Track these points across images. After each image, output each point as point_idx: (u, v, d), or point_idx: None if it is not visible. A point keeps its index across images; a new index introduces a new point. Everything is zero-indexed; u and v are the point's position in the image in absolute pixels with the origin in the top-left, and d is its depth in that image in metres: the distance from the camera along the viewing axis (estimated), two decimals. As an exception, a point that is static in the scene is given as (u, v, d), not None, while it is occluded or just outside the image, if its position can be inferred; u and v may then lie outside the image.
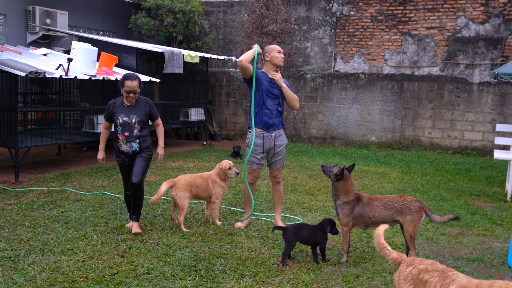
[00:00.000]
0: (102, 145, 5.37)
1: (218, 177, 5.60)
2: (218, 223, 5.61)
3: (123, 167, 5.30)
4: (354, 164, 4.85)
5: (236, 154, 10.42)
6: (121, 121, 5.11)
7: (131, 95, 5.08)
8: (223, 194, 5.73)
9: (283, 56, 5.48)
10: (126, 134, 5.11)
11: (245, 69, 5.28)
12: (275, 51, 5.40)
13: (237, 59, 12.37)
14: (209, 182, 5.58)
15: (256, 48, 5.32)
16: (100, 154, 5.35)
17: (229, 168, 5.60)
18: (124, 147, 5.15)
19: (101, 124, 9.29)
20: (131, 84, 5.07)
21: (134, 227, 5.23)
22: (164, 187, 5.41)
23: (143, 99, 5.27)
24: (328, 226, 4.56)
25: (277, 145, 5.49)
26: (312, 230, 4.59)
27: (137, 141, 5.15)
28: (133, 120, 5.12)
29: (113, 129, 5.35)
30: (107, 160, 10.13)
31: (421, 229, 5.32)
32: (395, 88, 12.08)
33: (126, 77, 5.08)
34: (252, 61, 5.29)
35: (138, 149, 5.17)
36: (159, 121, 5.40)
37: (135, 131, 5.15)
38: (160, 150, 5.38)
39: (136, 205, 5.25)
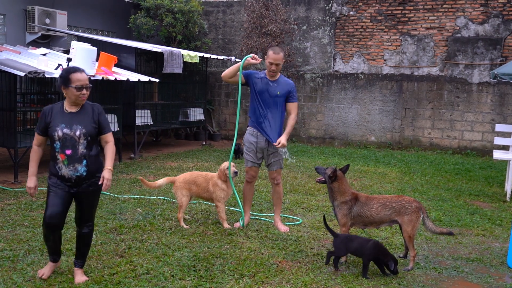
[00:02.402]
0: (33, 168, 3.86)
1: (220, 179, 5.47)
2: (226, 225, 5.47)
3: (56, 196, 3.79)
4: (348, 165, 4.85)
5: (235, 153, 10.37)
6: (60, 134, 3.73)
7: (84, 91, 3.79)
8: (226, 197, 5.54)
9: (274, 68, 5.27)
10: (68, 152, 3.73)
11: (231, 82, 5.49)
12: (269, 59, 5.26)
13: (236, 59, 12.49)
14: (210, 184, 5.48)
15: (244, 59, 5.28)
16: (32, 181, 3.83)
17: (226, 168, 5.51)
18: (66, 171, 3.75)
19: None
20: (82, 76, 3.79)
21: (78, 276, 3.98)
22: (162, 181, 5.60)
23: (90, 105, 3.92)
24: (392, 263, 4.23)
25: (272, 146, 5.44)
26: (361, 243, 4.37)
27: (84, 162, 3.78)
28: (77, 133, 3.75)
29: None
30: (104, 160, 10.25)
31: (420, 229, 5.32)
32: (395, 88, 12.08)
33: (72, 70, 3.82)
34: (237, 73, 5.33)
35: (85, 173, 3.79)
36: (111, 136, 3.99)
37: (80, 148, 3.77)
38: (108, 173, 3.84)
39: (85, 249, 4.08)
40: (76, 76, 3.76)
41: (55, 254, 4.00)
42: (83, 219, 3.96)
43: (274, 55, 5.22)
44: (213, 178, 5.52)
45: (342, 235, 4.49)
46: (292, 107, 5.47)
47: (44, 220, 3.81)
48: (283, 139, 5.27)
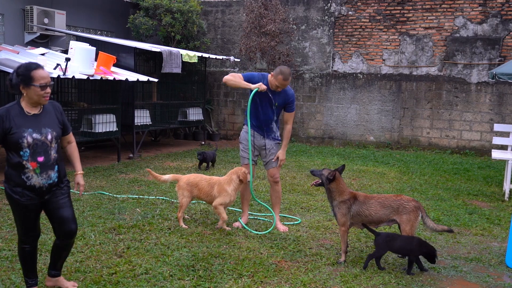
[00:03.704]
0: None
1: (232, 185, 5.31)
2: (224, 226, 5.40)
3: (27, 210, 3.44)
4: (344, 165, 4.88)
5: (200, 162, 8.96)
6: (29, 140, 3.33)
7: (48, 90, 3.40)
8: (229, 203, 5.43)
9: (279, 90, 5.22)
10: (41, 159, 3.37)
11: (231, 86, 5.46)
12: (277, 82, 5.15)
13: (235, 59, 12.50)
14: (215, 190, 5.35)
15: (255, 90, 5.19)
16: None
17: (248, 173, 5.41)
18: (37, 180, 3.38)
19: (101, 124, 9.27)
20: (45, 73, 3.40)
21: (65, 282, 3.82)
22: (167, 176, 5.70)
23: (50, 103, 3.54)
24: (436, 254, 4.38)
25: (268, 143, 5.49)
26: (407, 242, 4.39)
27: (56, 168, 3.47)
28: (49, 137, 3.41)
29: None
30: (103, 160, 10.35)
31: (419, 229, 5.33)
32: (393, 88, 12.09)
33: (34, 67, 3.37)
34: (239, 87, 5.32)
35: (56, 180, 3.48)
36: (72, 136, 3.76)
37: (53, 153, 3.44)
38: (81, 178, 3.72)
39: (65, 256, 3.81)
40: (39, 73, 3.35)
41: (34, 274, 3.68)
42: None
43: (284, 81, 5.14)
44: (221, 183, 5.37)
45: (383, 234, 4.47)
46: (289, 117, 5.48)
47: (22, 238, 3.52)
48: (281, 155, 5.44)
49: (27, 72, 3.33)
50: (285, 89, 5.34)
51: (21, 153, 3.33)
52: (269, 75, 5.28)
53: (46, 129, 3.41)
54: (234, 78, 5.29)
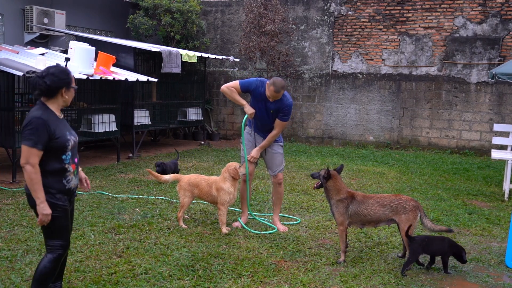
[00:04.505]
0: (43, 193, 3.18)
1: (227, 182, 5.30)
2: (224, 230, 5.31)
3: (67, 214, 3.37)
4: (342, 165, 4.90)
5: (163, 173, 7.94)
6: (72, 143, 3.34)
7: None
8: (231, 200, 5.34)
9: (271, 100, 5.19)
10: (76, 160, 3.44)
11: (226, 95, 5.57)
12: (268, 93, 5.14)
13: (235, 59, 12.50)
14: (213, 189, 5.35)
15: (246, 116, 5.44)
16: (48, 208, 3.19)
17: (239, 167, 5.40)
18: (74, 182, 3.40)
19: (100, 124, 9.28)
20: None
21: None
22: (168, 176, 5.74)
23: None
24: (464, 254, 4.44)
25: (268, 150, 5.51)
26: (439, 243, 4.45)
27: (79, 168, 3.57)
28: (77, 138, 3.49)
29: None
30: (102, 160, 10.36)
31: (418, 229, 5.33)
32: (393, 88, 12.09)
33: (69, 70, 3.46)
34: (237, 99, 5.45)
35: (78, 180, 3.59)
36: None
37: (78, 154, 3.56)
38: (83, 173, 3.69)
39: (64, 264, 3.69)
40: (73, 77, 3.41)
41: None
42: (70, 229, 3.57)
43: (275, 93, 5.11)
44: (217, 183, 5.37)
45: (418, 238, 4.44)
46: (279, 124, 5.37)
47: (61, 249, 3.34)
48: (254, 152, 5.46)
49: (69, 75, 3.34)
50: (281, 98, 5.26)
51: (63, 156, 3.29)
52: (267, 82, 5.24)
53: (73, 131, 3.45)
54: (230, 92, 5.41)
